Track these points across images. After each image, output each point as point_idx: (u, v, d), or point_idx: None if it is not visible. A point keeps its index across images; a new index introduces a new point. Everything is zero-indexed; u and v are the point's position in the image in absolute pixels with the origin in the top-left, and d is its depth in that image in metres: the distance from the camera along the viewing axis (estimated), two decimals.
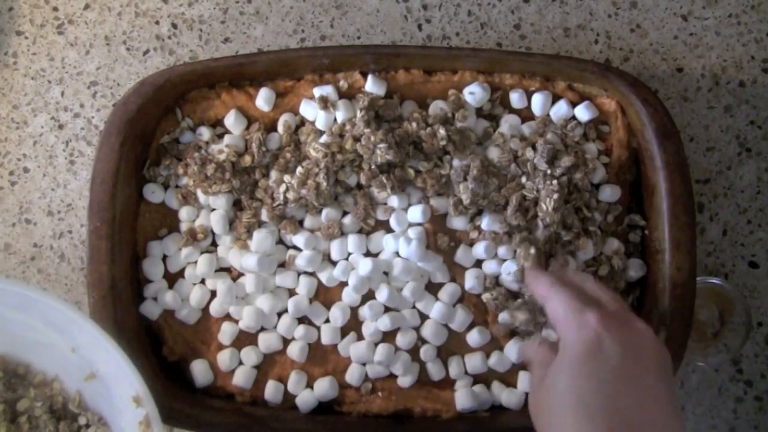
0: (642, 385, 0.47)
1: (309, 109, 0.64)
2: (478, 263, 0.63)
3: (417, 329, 0.63)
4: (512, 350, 0.62)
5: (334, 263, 0.63)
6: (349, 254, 0.63)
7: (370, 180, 0.62)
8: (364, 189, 0.63)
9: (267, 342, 0.63)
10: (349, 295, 0.62)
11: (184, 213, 0.64)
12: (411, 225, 0.63)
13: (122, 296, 0.61)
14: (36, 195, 0.71)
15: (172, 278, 0.64)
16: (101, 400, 0.57)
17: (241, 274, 0.64)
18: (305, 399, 0.62)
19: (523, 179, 0.62)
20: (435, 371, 0.63)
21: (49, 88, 0.72)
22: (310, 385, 0.63)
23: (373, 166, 0.62)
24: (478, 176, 0.61)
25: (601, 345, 0.48)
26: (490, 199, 0.62)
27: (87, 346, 0.56)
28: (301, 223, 0.64)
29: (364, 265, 0.61)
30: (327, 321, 0.63)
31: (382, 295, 0.62)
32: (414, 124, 0.62)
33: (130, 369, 0.54)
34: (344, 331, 0.63)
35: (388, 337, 0.63)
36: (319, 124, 0.64)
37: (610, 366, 0.47)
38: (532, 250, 0.60)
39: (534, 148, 0.63)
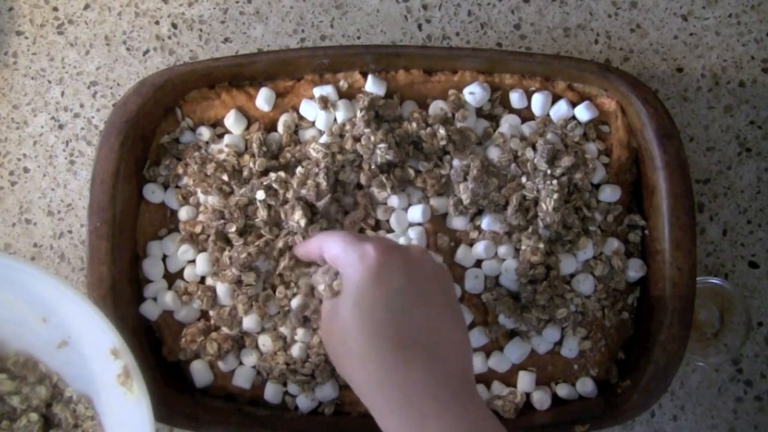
0: (429, 304, 0.48)
1: (309, 109, 0.64)
2: (478, 263, 0.63)
3: None
4: (512, 350, 0.62)
5: None
6: None
7: (370, 180, 0.62)
8: (364, 189, 0.63)
9: (267, 342, 0.63)
10: None
11: (184, 213, 0.64)
12: (411, 225, 0.63)
13: (122, 296, 0.61)
14: (36, 195, 0.71)
15: (172, 278, 0.64)
16: (73, 369, 0.57)
17: None
18: (305, 399, 0.62)
19: (523, 179, 0.63)
20: None
21: (49, 88, 0.72)
22: None
23: (373, 166, 0.62)
24: (478, 176, 0.61)
25: (383, 269, 0.48)
26: (490, 199, 0.62)
27: (58, 312, 0.56)
28: None
29: None
30: None
31: None
32: (414, 124, 0.62)
33: (104, 323, 0.54)
34: None
35: None
36: (319, 124, 0.64)
37: (395, 287, 0.47)
38: (541, 245, 0.60)
39: (534, 148, 0.63)
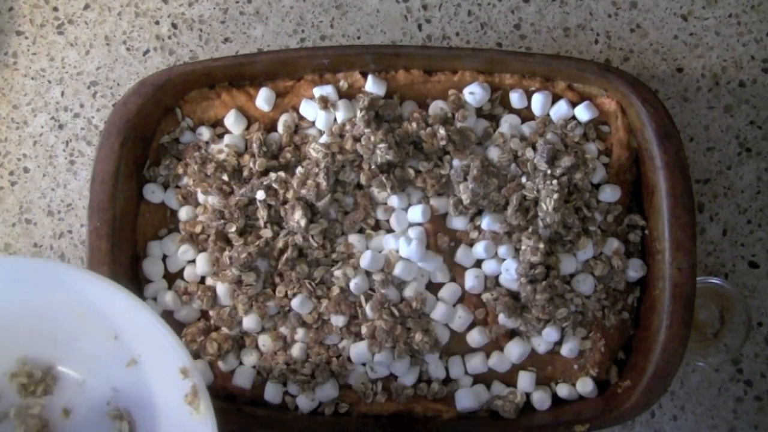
0: None
1: (309, 109, 0.64)
2: (478, 263, 0.63)
3: None
4: (512, 350, 0.62)
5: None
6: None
7: (370, 180, 0.62)
8: (364, 189, 0.63)
9: (267, 342, 0.63)
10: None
11: (184, 213, 0.64)
12: (411, 225, 0.63)
13: None
14: (36, 195, 0.71)
15: (172, 278, 0.64)
16: (139, 389, 0.56)
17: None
18: (305, 399, 0.62)
19: (523, 179, 0.62)
20: (435, 371, 0.63)
21: (49, 88, 0.72)
22: None
23: (373, 166, 0.62)
24: (478, 176, 0.61)
25: None
26: (490, 199, 0.62)
27: (130, 329, 0.54)
28: None
29: (364, 258, 0.61)
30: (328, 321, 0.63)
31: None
32: (414, 124, 0.62)
33: (175, 341, 0.53)
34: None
35: None
36: (319, 124, 0.64)
37: None
38: (541, 245, 0.60)
39: (534, 148, 0.63)
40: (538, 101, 0.64)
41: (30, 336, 0.56)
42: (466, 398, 0.62)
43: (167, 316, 0.63)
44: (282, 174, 0.62)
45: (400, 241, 0.61)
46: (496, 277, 0.63)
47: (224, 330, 0.63)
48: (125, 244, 0.62)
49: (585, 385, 0.63)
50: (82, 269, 0.56)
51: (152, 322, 0.54)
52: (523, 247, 0.61)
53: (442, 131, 0.62)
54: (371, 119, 0.62)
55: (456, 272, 0.63)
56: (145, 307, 0.54)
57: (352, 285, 0.61)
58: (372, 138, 0.61)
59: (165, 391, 0.54)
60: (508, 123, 0.64)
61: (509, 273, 0.62)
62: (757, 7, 0.71)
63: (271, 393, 0.62)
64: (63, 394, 0.57)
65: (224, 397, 0.63)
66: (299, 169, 0.62)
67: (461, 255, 0.63)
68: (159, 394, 0.55)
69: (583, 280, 0.62)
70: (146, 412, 0.56)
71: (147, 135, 0.64)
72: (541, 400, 0.63)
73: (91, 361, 0.57)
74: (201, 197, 0.64)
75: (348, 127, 0.63)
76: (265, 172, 0.63)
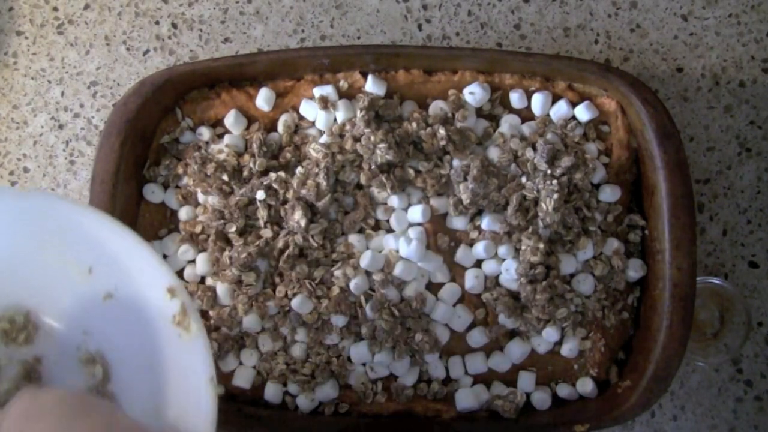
0: None
1: (309, 109, 0.64)
2: (478, 263, 0.63)
3: None
4: (512, 350, 0.62)
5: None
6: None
7: (370, 180, 0.62)
8: (364, 189, 0.63)
9: (267, 342, 0.63)
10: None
11: (184, 213, 0.64)
12: (411, 225, 0.63)
13: None
14: None
15: None
16: (111, 328, 0.53)
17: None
18: (305, 399, 0.62)
19: (523, 179, 0.62)
20: (435, 371, 0.63)
21: (49, 88, 0.72)
22: None
23: (373, 166, 0.62)
24: (478, 176, 0.61)
25: None
26: (490, 199, 0.62)
27: (108, 257, 0.52)
28: None
29: (364, 258, 0.61)
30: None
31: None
32: (414, 124, 0.62)
33: (158, 261, 0.51)
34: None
35: None
36: (319, 124, 0.64)
37: None
38: (541, 245, 0.60)
39: (534, 148, 0.63)
40: (538, 101, 0.64)
41: (3, 281, 0.54)
42: (466, 398, 0.62)
43: None
44: (282, 174, 0.62)
45: (400, 241, 0.61)
46: (496, 277, 0.63)
47: (224, 330, 0.63)
48: None
49: (585, 385, 0.63)
50: (57, 195, 0.52)
51: (134, 243, 0.51)
52: (523, 247, 0.61)
53: (442, 131, 0.62)
54: (371, 119, 0.62)
55: (456, 272, 0.63)
56: (126, 229, 0.51)
57: (352, 285, 0.61)
58: (372, 138, 0.61)
59: (148, 319, 0.52)
60: (508, 123, 0.64)
61: (509, 273, 0.62)
62: (757, 7, 0.71)
63: (271, 393, 0.62)
64: (35, 343, 0.55)
65: (224, 397, 0.63)
66: (299, 169, 0.62)
67: (461, 255, 0.63)
68: (141, 324, 0.52)
69: (583, 280, 0.62)
70: (123, 349, 0.53)
71: (147, 135, 0.64)
72: (541, 400, 0.63)
73: (63, 306, 0.54)
74: (201, 197, 0.64)
75: (348, 127, 0.63)
76: (265, 172, 0.63)
